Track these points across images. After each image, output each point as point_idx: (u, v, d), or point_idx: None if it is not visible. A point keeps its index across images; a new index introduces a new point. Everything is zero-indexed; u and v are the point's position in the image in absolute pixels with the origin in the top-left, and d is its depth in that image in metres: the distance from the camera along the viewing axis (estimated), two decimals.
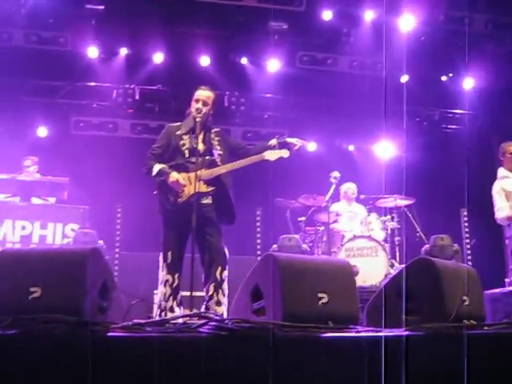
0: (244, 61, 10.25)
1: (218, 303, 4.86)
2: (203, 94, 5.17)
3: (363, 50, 9.97)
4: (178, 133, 5.11)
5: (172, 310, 4.85)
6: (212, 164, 5.06)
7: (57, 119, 10.20)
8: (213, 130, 5.25)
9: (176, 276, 4.91)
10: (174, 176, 4.91)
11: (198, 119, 4.95)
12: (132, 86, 10.05)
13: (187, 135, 5.08)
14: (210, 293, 4.88)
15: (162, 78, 10.12)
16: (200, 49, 9.90)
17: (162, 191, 5.03)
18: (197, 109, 5.04)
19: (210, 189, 5.01)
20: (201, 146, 5.08)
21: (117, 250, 7.80)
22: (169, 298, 4.87)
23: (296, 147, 5.34)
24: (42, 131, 10.20)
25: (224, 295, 4.92)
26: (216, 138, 5.21)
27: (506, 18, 9.55)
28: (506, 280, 7.92)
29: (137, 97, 10.12)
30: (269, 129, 10.78)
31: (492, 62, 10.11)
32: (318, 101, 10.84)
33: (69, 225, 7.52)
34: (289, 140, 5.36)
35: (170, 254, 4.93)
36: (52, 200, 7.86)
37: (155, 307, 6.62)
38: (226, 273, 4.97)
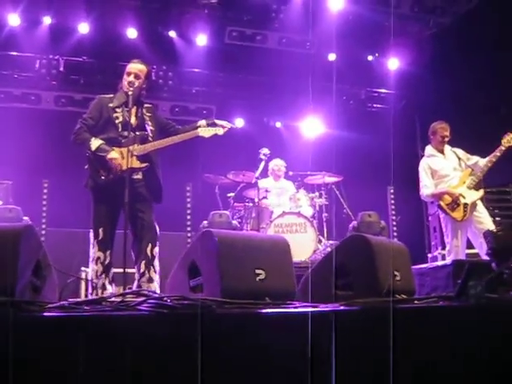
0: (172, 34, 10.06)
1: (150, 280, 4.81)
2: (135, 67, 5.07)
3: (292, 27, 9.98)
4: (111, 105, 4.99)
5: (104, 287, 4.75)
6: (144, 139, 4.98)
7: None
8: (145, 106, 5.16)
9: (107, 253, 4.82)
10: (114, 154, 4.80)
11: (130, 93, 4.86)
12: (56, 57, 9.71)
13: (120, 108, 4.98)
14: (142, 270, 4.83)
15: (87, 50, 9.80)
16: (127, 20, 9.62)
17: (93, 166, 4.90)
18: (129, 82, 4.94)
19: (143, 165, 4.94)
20: (133, 120, 4.99)
21: (43, 226, 7.59)
22: (101, 275, 4.78)
23: (225, 129, 5.33)
24: None
25: (155, 272, 4.88)
26: (148, 114, 5.14)
27: (431, 2, 9.80)
28: (429, 255, 8.24)
29: (61, 68, 9.78)
30: (197, 104, 10.70)
31: (416, 44, 10.37)
32: (246, 77, 10.80)
33: None
34: (218, 122, 5.34)
35: (101, 230, 4.83)
36: None
37: (83, 284, 6.53)
38: (156, 249, 4.93)
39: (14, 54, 9.56)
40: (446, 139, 6.68)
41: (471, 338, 3.28)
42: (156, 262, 4.92)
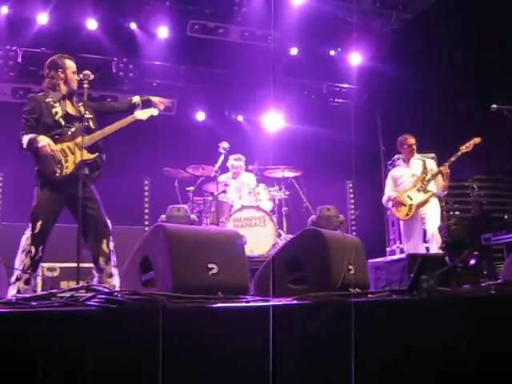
0: (133, 26, 9.95)
1: (110, 275, 4.84)
2: (74, 64, 5.13)
3: (254, 21, 9.96)
4: (48, 100, 4.96)
5: (28, 282, 4.63)
6: (87, 130, 4.96)
7: None
8: (74, 97, 5.17)
9: (40, 248, 4.72)
10: (42, 139, 4.74)
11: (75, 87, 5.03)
12: (14, 48, 9.51)
13: (57, 103, 4.97)
14: (101, 266, 4.83)
15: (46, 41, 9.58)
16: (87, 11, 9.47)
17: (44, 163, 4.82)
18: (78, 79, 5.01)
19: (94, 155, 4.94)
20: (73, 112, 5.02)
21: None
22: (27, 269, 4.63)
23: (161, 107, 5.41)
24: None
25: (115, 266, 4.90)
26: (80, 103, 5.12)
27: None
28: (388, 249, 8.34)
29: (19, 59, 9.59)
30: (158, 96, 10.59)
31: (378, 39, 10.44)
32: (207, 70, 10.76)
33: None
34: (152, 98, 5.42)
35: (39, 224, 4.70)
36: None
37: (39, 280, 6.41)
38: (112, 244, 4.95)
39: None
40: (414, 147, 7.11)
41: (423, 332, 3.31)
42: (113, 257, 4.94)
